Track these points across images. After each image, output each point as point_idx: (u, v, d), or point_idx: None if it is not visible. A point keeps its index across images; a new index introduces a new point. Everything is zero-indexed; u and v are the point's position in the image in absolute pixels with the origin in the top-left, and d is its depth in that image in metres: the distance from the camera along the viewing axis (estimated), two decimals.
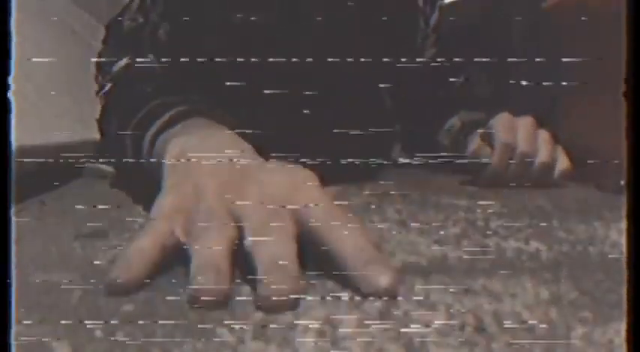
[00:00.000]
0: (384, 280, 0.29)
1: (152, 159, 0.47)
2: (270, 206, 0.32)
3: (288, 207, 0.32)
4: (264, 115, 0.56)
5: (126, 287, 0.30)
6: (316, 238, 0.32)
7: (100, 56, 0.66)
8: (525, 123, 0.66)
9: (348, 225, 0.32)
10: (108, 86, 0.61)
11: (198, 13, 0.60)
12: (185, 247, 0.32)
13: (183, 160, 0.38)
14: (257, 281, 0.29)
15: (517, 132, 0.64)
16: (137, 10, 0.64)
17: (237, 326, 0.27)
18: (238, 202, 0.33)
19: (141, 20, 0.62)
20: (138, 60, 0.59)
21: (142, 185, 0.46)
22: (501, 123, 0.65)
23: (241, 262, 0.32)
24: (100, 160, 0.75)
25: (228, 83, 0.56)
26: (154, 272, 0.31)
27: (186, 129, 0.45)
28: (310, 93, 0.59)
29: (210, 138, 0.41)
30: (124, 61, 0.60)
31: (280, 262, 0.29)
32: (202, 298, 0.28)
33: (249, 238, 0.31)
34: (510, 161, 0.64)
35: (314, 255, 0.32)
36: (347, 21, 0.61)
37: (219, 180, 0.35)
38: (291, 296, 0.28)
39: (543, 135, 0.66)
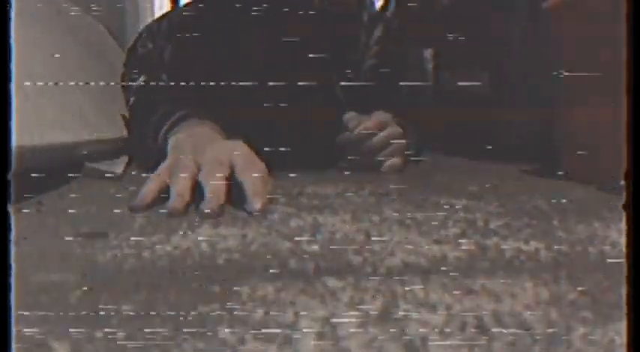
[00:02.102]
0: (257, 206, 0.52)
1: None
2: (214, 160, 0.56)
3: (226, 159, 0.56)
4: (244, 115, 0.75)
5: (140, 210, 0.53)
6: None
7: (122, 77, 0.89)
8: (382, 114, 0.81)
9: (254, 173, 0.55)
10: (132, 100, 0.83)
11: (194, 38, 0.82)
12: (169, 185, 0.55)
13: (178, 145, 0.62)
14: (203, 201, 0.52)
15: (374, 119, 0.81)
16: (147, 38, 0.87)
17: (237, 326, 0.27)
18: (200, 157, 0.57)
19: (150, 46, 0.85)
20: (145, 79, 0.82)
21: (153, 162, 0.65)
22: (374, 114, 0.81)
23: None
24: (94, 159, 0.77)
25: (218, 91, 0.77)
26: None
27: (182, 128, 0.68)
28: (279, 93, 0.79)
29: (195, 131, 0.66)
30: (140, 80, 0.82)
31: (216, 190, 0.53)
32: (173, 213, 0.51)
33: (202, 177, 0.55)
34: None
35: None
36: (305, 36, 0.81)
37: (193, 148, 0.59)
38: (218, 210, 0.52)
39: (393, 128, 0.81)
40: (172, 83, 0.80)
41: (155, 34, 0.85)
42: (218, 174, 0.54)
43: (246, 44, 0.80)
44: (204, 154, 0.57)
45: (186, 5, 0.90)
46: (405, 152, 0.83)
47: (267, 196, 0.55)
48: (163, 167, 0.57)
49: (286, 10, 0.80)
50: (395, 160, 0.81)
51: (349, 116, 0.79)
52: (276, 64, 0.80)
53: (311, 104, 0.80)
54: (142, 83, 0.81)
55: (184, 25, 0.84)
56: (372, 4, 0.90)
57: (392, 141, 0.80)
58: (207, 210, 0.51)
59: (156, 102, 0.76)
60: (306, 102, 0.80)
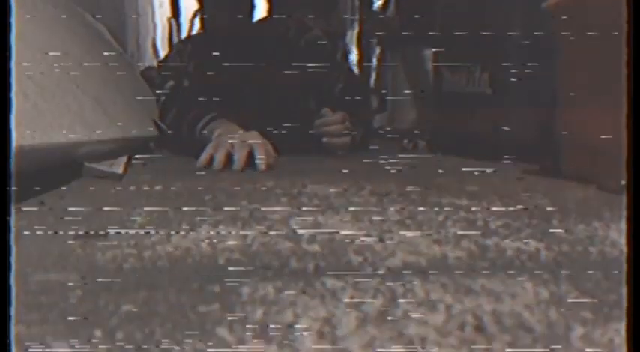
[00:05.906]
0: (262, 166, 0.93)
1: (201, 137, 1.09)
2: (242, 141, 0.97)
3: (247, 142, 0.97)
4: (247, 115, 1.11)
5: (201, 169, 0.93)
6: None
7: (157, 80, 1.30)
8: (342, 113, 1.18)
9: (262, 147, 0.96)
10: (162, 98, 1.22)
11: (211, 57, 1.21)
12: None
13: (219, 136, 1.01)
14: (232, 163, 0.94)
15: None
16: (176, 54, 1.31)
17: (237, 326, 0.27)
18: (232, 139, 0.98)
19: (178, 60, 1.27)
20: (172, 84, 1.24)
21: (188, 151, 1.05)
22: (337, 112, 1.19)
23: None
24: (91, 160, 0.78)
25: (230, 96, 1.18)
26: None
27: (216, 125, 1.06)
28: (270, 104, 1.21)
29: (226, 127, 1.04)
30: (170, 84, 1.24)
31: (241, 158, 0.94)
32: (217, 170, 0.93)
33: (233, 151, 0.95)
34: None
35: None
36: (293, 68, 1.21)
37: (228, 136, 0.98)
38: (243, 168, 0.93)
39: (346, 123, 1.17)
40: (193, 88, 1.20)
41: (182, 52, 1.29)
42: (242, 150, 0.93)
43: (245, 69, 1.18)
44: (234, 138, 0.96)
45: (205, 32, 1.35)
46: (353, 140, 1.18)
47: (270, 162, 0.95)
48: (211, 145, 0.96)
49: (277, 48, 1.23)
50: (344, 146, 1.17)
51: (325, 110, 1.16)
52: (268, 84, 1.20)
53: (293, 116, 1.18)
54: (171, 86, 1.23)
55: (204, 47, 1.25)
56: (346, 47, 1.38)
57: (344, 131, 1.17)
58: (236, 168, 0.90)
59: (186, 105, 1.15)
60: (290, 114, 1.18)
